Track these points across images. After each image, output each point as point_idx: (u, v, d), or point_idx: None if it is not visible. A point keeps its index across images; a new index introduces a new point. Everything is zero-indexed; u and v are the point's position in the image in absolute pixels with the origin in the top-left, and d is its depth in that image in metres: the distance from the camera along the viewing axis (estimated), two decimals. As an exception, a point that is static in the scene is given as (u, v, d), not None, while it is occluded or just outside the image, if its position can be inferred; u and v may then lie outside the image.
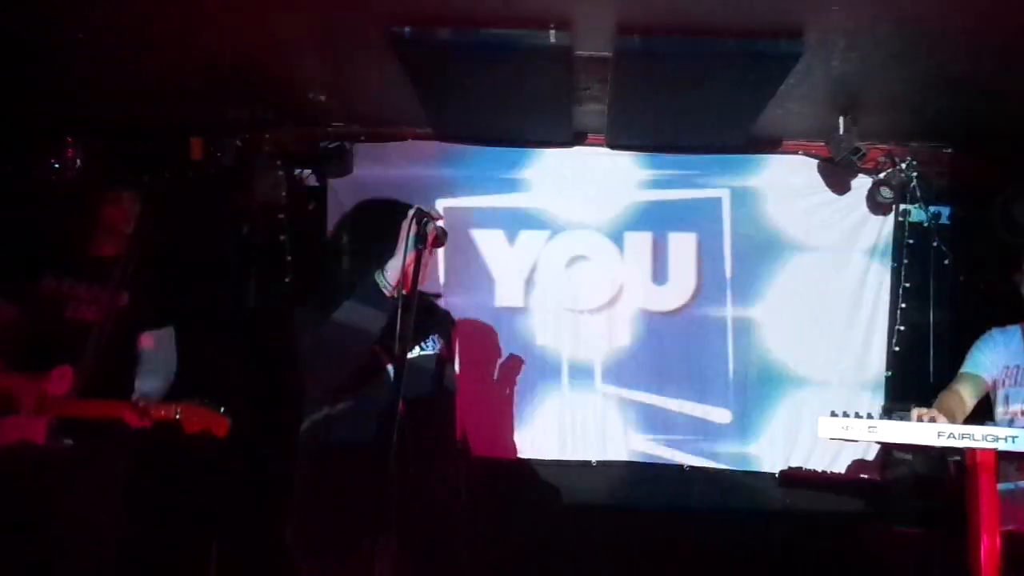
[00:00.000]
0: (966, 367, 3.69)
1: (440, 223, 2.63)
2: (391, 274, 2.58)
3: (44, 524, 3.67)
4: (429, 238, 2.57)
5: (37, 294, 3.88)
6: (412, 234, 2.53)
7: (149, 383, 3.90)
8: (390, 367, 2.73)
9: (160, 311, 4.11)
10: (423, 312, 2.75)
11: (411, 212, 2.58)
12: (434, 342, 2.89)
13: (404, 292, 2.51)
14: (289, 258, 5.22)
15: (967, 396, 3.58)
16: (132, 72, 4.33)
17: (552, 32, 3.66)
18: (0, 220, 4.63)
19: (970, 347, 3.76)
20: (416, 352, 2.81)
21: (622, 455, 5.18)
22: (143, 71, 4.32)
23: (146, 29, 3.87)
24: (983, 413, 3.64)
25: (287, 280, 5.21)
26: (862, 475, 4.95)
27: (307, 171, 5.26)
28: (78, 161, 4.79)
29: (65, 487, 3.70)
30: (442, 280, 5.12)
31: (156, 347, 4.01)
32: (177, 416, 3.67)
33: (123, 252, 3.95)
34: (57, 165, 4.78)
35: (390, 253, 2.60)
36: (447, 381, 2.93)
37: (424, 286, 2.66)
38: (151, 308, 4.06)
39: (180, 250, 4.89)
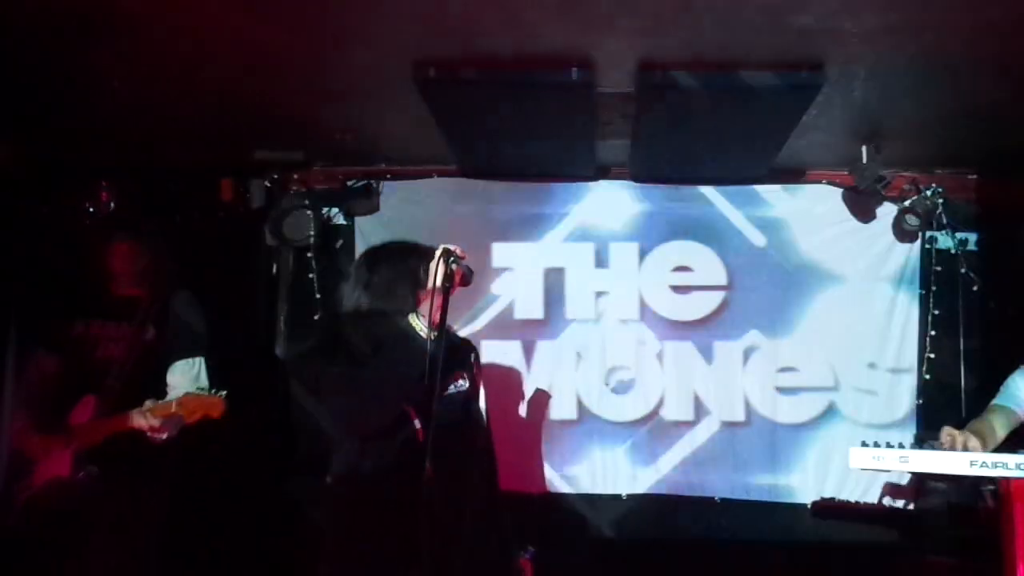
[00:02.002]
0: (999, 399, 3.64)
1: (466, 262, 2.67)
2: (424, 316, 2.60)
3: (78, 554, 3.72)
4: (456, 277, 2.60)
5: (71, 338, 3.97)
6: (440, 274, 2.56)
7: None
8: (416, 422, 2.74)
9: (189, 343, 4.14)
10: (449, 351, 2.76)
11: (438, 252, 2.61)
12: (463, 379, 2.88)
13: (435, 332, 2.54)
14: (318, 296, 5.27)
15: (998, 427, 3.53)
16: (165, 117, 4.43)
17: (574, 71, 3.70)
18: (37, 264, 4.75)
19: (1002, 375, 3.72)
20: (454, 388, 2.84)
21: (652, 488, 5.16)
22: (175, 116, 4.42)
23: (180, 77, 3.96)
24: (1016, 443, 3.60)
25: (316, 318, 5.27)
26: (895, 504, 4.90)
27: (334, 210, 5.33)
28: (112, 204, 4.89)
29: (95, 514, 3.76)
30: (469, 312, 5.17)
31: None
32: (176, 409, 3.75)
33: (144, 290, 4.06)
34: (91, 208, 4.87)
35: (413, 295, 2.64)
36: (475, 416, 2.92)
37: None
38: (179, 341, 4.10)
39: (209, 289, 4.96)
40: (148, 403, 3.78)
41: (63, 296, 4.18)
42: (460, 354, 2.99)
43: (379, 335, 2.73)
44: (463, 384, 2.88)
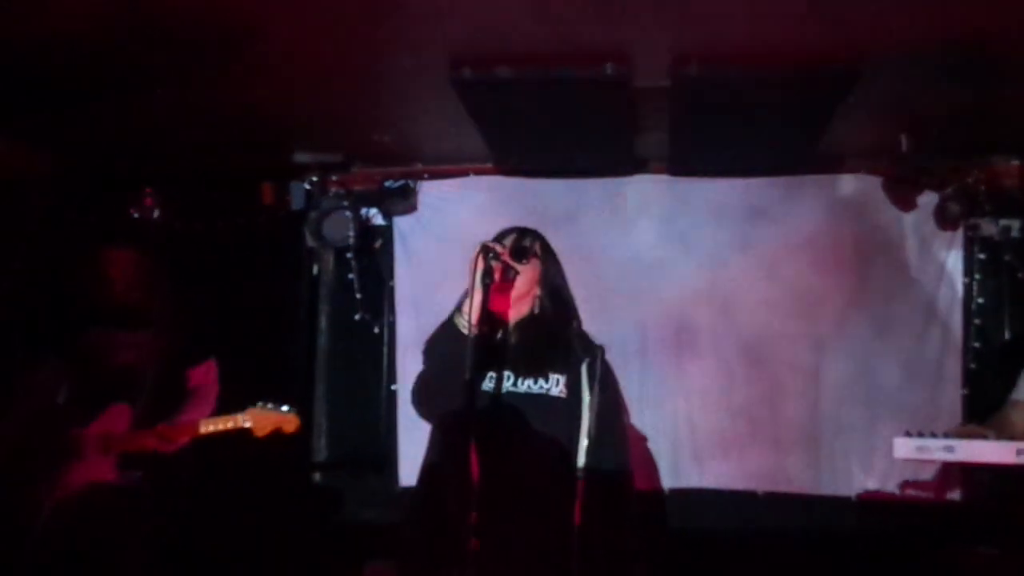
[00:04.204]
0: (1016, 393, 3.60)
1: (506, 258, 2.68)
2: (467, 313, 2.61)
3: (120, 558, 3.81)
4: (496, 274, 2.61)
5: (87, 345, 4.03)
6: (480, 271, 2.58)
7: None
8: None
9: (201, 348, 4.24)
10: (544, 345, 2.75)
11: (477, 249, 2.63)
12: (556, 381, 2.75)
13: (475, 329, 2.56)
14: (358, 296, 5.33)
15: (1019, 421, 3.49)
16: (207, 123, 4.50)
17: (609, 66, 3.71)
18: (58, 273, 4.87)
19: None
20: (522, 387, 2.74)
21: (694, 482, 5.15)
22: (216, 122, 4.49)
23: (219, 82, 4.03)
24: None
25: (356, 318, 5.33)
26: (941, 494, 4.85)
27: (373, 210, 5.38)
28: (156, 210, 4.98)
29: (140, 517, 3.88)
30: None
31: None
32: (247, 424, 3.86)
33: (150, 299, 4.12)
34: (136, 214, 4.97)
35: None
36: (561, 424, 2.72)
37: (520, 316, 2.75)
38: (193, 345, 4.20)
39: (252, 291, 5.05)
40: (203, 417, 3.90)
41: (72, 304, 4.25)
42: (563, 349, 2.81)
43: (432, 337, 2.77)
44: (559, 383, 2.75)
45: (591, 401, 2.68)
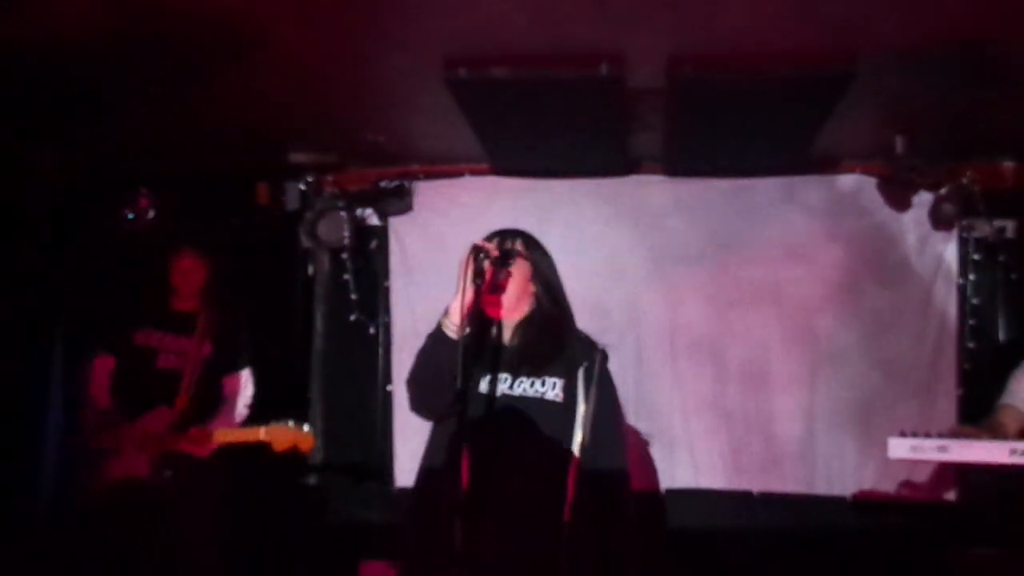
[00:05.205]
0: (1005, 398, 3.61)
1: (497, 258, 2.67)
2: (454, 314, 2.61)
3: (152, 551, 4.05)
4: (487, 275, 2.60)
5: (132, 346, 4.29)
6: (471, 271, 2.56)
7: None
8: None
9: (237, 357, 4.49)
10: (544, 347, 2.72)
11: (468, 250, 2.62)
12: (552, 384, 2.70)
13: (467, 329, 2.55)
14: (354, 296, 5.32)
15: (1009, 425, 3.50)
16: (201, 123, 4.51)
17: (604, 67, 3.71)
18: (87, 273, 4.94)
19: None
20: (517, 389, 2.71)
21: (689, 483, 5.15)
22: (212, 122, 4.49)
23: (215, 82, 4.03)
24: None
25: (352, 319, 5.32)
26: (937, 495, 4.86)
27: (368, 210, 5.37)
28: (151, 211, 4.98)
29: (169, 514, 4.09)
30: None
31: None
32: (265, 437, 4.09)
33: (201, 305, 4.40)
34: (131, 215, 4.97)
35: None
36: (556, 428, 2.67)
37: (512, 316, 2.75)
38: (231, 354, 4.45)
39: (247, 292, 5.04)
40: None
41: (124, 304, 4.51)
42: (565, 353, 2.76)
43: (425, 343, 2.75)
44: (555, 386, 2.71)
45: (587, 406, 2.68)
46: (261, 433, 4.11)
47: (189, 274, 4.36)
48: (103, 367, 4.30)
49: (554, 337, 2.77)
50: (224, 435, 4.14)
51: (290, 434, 4.13)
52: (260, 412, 4.48)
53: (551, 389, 2.70)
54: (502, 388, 2.71)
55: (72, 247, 5.24)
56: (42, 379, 5.17)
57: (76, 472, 4.31)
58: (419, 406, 2.77)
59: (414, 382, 2.75)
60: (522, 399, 2.69)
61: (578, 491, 2.61)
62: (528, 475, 2.64)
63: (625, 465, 2.77)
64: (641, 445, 5.01)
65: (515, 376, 2.72)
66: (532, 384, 2.70)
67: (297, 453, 4.15)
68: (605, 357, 2.77)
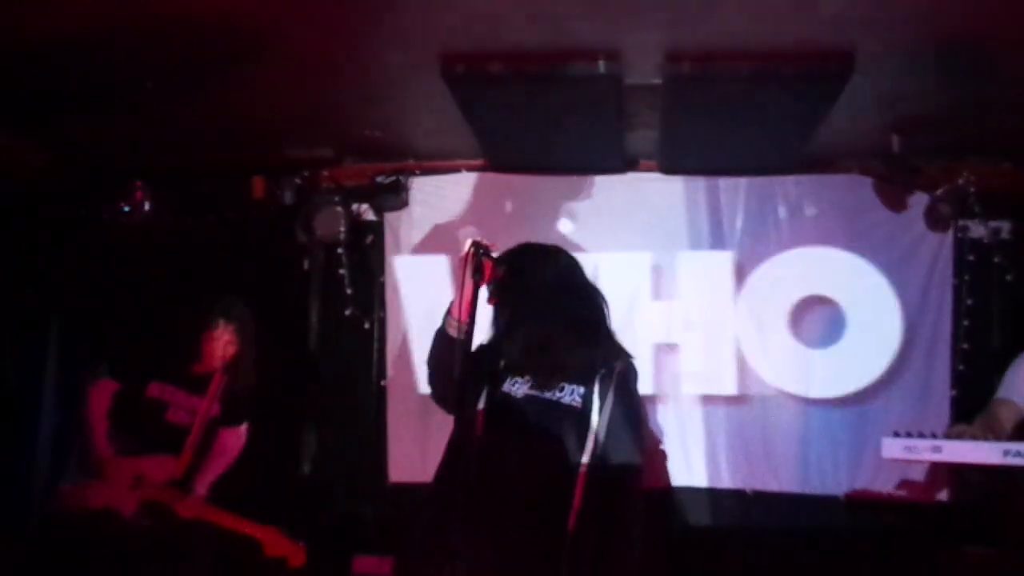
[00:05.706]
0: (1001, 392, 3.61)
1: (496, 254, 2.67)
2: (455, 311, 2.60)
3: None
4: (486, 271, 2.60)
5: (144, 396, 4.19)
6: (471, 267, 2.56)
7: None
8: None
9: (241, 412, 4.47)
10: (567, 348, 2.69)
11: (467, 245, 2.61)
12: (571, 390, 2.69)
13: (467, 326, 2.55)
14: (349, 291, 5.32)
15: (1006, 421, 3.50)
16: (198, 119, 4.50)
17: (601, 63, 3.71)
18: (83, 272, 4.92)
19: None
20: (531, 390, 2.70)
21: (683, 481, 5.14)
22: (208, 118, 4.49)
23: (211, 78, 4.02)
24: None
25: (347, 314, 5.32)
26: (930, 494, 4.87)
27: (364, 206, 5.36)
28: (146, 204, 4.96)
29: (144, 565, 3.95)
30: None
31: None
32: (259, 536, 4.01)
33: (220, 373, 4.29)
34: (127, 208, 4.95)
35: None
36: (570, 434, 2.64)
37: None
38: (235, 410, 4.42)
39: (242, 286, 5.04)
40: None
41: (144, 348, 4.42)
42: (582, 357, 2.73)
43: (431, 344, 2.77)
44: (573, 392, 2.68)
45: (601, 415, 2.65)
46: (256, 530, 4.01)
47: (218, 348, 4.25)
48: (105, 390, 4.19)
49: (576, 340, 2.73)
50: (219, 516, 4.04)
51: (285, 543, 4.03)
52: (255, 409, 4.47)
53: (569, 394, 2.67)
54: (523, 389, 2.69)
55: (67, 245, 5.23)
56: (35, 378, 5.17)
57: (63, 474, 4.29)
58: (438, 400, 2.80)
59: (429, 380, 2.78)
60: (537, 401, 2.67)
61: (585, 500, 2.58)
62: (534, 479, 2.62)
63: (636, 481, 2.72)
64: (654, 443, 5.01)
65: (534, 378, 2.69)
66: (549, 387, 2.68)
67: (284, 564, 4.01)
68: (628, 367, 2.73)
